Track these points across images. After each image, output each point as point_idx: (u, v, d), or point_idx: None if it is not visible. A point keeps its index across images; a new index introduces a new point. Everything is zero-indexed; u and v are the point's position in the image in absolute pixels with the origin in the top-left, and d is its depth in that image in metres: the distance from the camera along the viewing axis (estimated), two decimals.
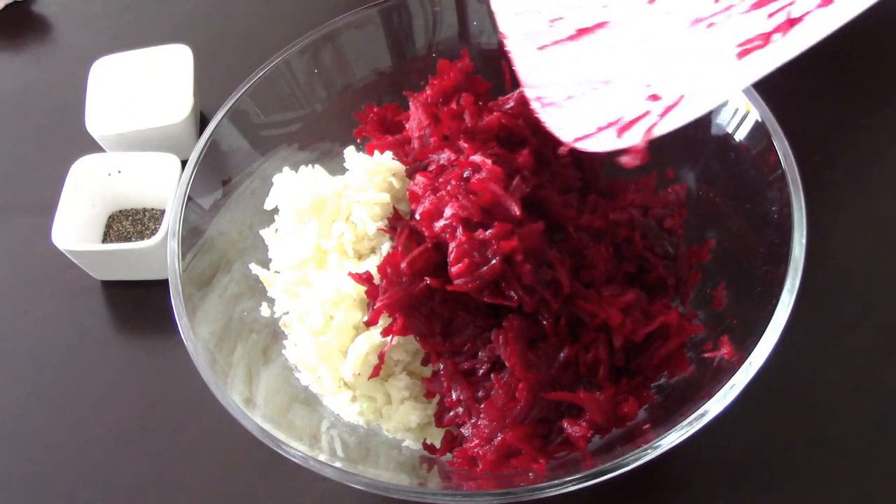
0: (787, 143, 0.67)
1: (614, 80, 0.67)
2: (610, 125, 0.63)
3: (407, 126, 0.78)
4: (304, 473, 0.62)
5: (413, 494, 0.60)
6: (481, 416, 0.65)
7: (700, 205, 0.77)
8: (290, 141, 0.85)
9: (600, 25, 0.71)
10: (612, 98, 0.66)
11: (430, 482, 0.68)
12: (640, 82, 0.65)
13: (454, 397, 0.66)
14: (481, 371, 0.66)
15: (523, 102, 0.72)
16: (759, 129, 0.70)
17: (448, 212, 0.65)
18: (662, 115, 0.60)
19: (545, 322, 0.65)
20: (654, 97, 0.62)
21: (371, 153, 0.76)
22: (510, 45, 0.73)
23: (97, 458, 0.82)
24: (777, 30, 0.58)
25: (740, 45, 0.60)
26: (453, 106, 0.74)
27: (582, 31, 0.71)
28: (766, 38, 0.59)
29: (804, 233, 0.63)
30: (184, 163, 0.79)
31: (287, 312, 0.75)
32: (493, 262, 0.62)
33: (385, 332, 0.67)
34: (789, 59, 0.56)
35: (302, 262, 0.73)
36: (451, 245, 0.64)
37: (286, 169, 0.77)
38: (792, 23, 0.58)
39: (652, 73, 0.65)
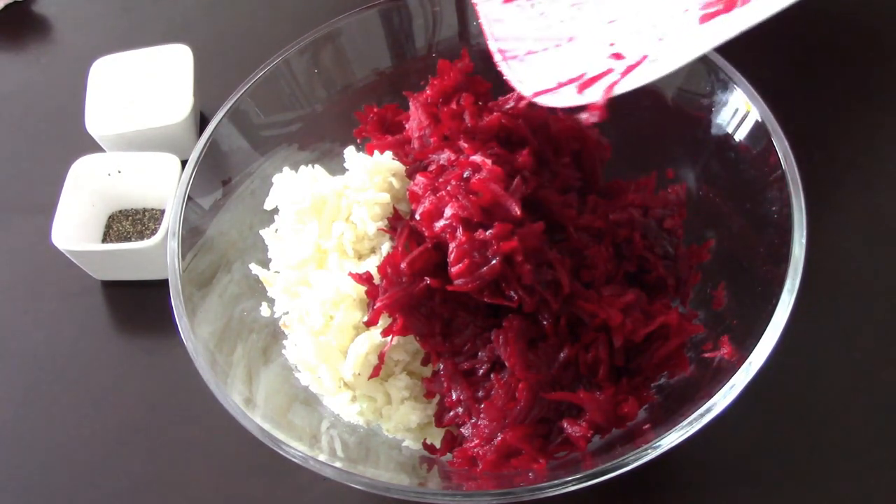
0: (787, 143, 0.67)
1: (579, 36, 0.67)
2: (571, 81, 0.64)
3: (407, 126, 0.78)
4: (304, 473, 0.62)
5: (413, 494, 0.60)
6: (481, 416, 0.65)
7: (700, 205, 0.77)
8: (290, 141, 0.85)
9: None
10: (575, 55, 0.66)
11: (430, 482, 0.68)
12: (605, 40, 0.65)
13: (454, 397, 0.67)
14: (481, 371, 0.66)
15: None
16: (759, 129, 0.70)
17: (448, 212, 0.65)
18: (624, 73, 0.61)
19: (545, 322, 0.65)
20: (618, 56, 0.63)
21: (371, 153, 0.76)
22: None
23: (97, 458, 0.82)
24: None
25: (703, 7, 0.61)
26: (453, 106, 0.74)
27: None
28: (730, 2, 0.59)
29: (804, 233, 0.63)
30: (184, 163, 0.79)
31: (287, 312, 0.75)
32: (493, 262, 0.62)
33: (385, 332, 0.67)
34: (752, 26, 0.56)
35: (302, 262, 0.73)
36: (452, 245, 0.64)
37: (286, 169, 0.77)
38: None
39: (617, 33, 0.66)
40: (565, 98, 0.63)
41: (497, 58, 0.69)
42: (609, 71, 0.62)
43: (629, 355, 0.67)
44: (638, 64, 0.61)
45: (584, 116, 0.62)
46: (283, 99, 0.85)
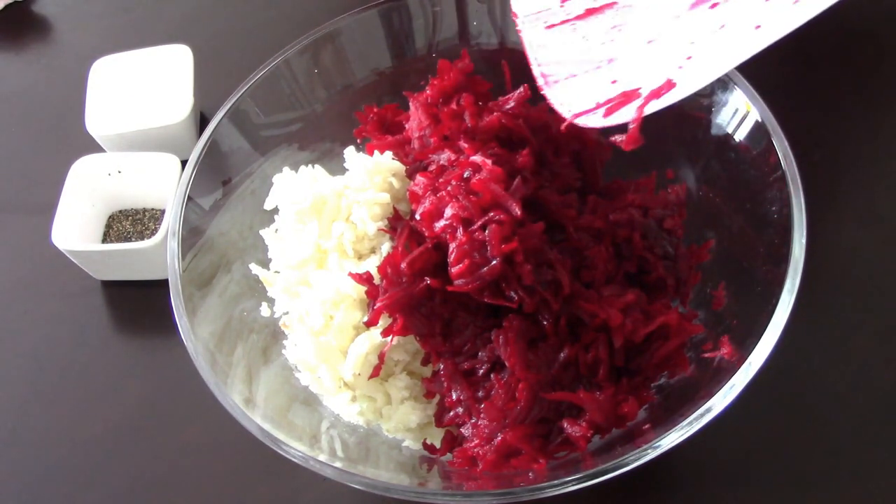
0: (787, 143, 0.67)
1: (618, 58, 0.68)
2: (608, 101, 0.65)
3: (407, 126, 0.78)
4: (304, 473, 0.62)
5: (413, 494, 0.60)
6: (481, 416, 0.65)
7: (700, 205, 0.77)
8: (290, 141, 0.85)
9: (609, 6, 0.72)
10: (613, 76, 0.67)
11: (430, 482, 0.68)
12: (641, 62, 0.66)
13: (454, 397, 0.66)
14: (481, 371, 0.66)
15: (523, 103, 0.73)
16: (759, 129, 0.70)
17: (448, 212, 0.65)
18: (656, 93, 0.63)
19: (545, 322, 0.65)
20: (650, 75, 0.64)
21: (371, 153, 0.76)
22: (520, 24, 0.75)
23: (97, 458, 0.82)
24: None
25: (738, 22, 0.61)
26: (453, 106, 0.74)
27: (591, 11, 0.73)
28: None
29: (804, 233, 0.63)
30: (184, 163, 0.79)
31: (287, 312, 0.75)
32: (494, 262, 0.62)
33: (385, 333, 0.67)
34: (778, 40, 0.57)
35: (302, 262, 0.73)
36: (452, 245, 0.64)
37: (286, 169, 0.77)
38: None
39: (650, 53, 0.66)
40: (601, 119, 0.65)
41: (540, 82, 0.71)
42: (639, 90, 0.64)
43: (629, 355, 0.67)
44: (668, 83, 0.63)
45: (618, 139, 0.64)
46: (283, 99, 0.85)
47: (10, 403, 0.87)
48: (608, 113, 0.65)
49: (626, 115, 0.64)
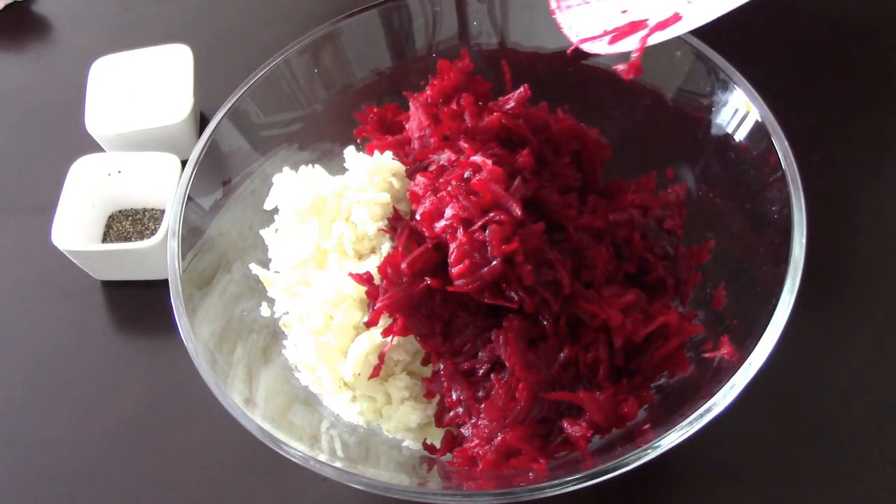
0: (787, 143, 0.67)
1: None
2: (615, 29, 0.67)
3: (407, 126, 0.78)
4: (304, 473, 0.62)
5: (413, 494, 0.60)
6: (481, 416, 0.65)
7: (700, 205, 0.77)
8: (290, 141, 0.85)
9: None
10: (623, 5, 0.69)
11: (430, 482, 0.68)
12: None
13: (454, 397, 0.67)
14: (481, 371, 0.66)
15: (523, 103, 0.73)
16: (759, 129, 0.70)
17: (449, 212, 0.65)
18: (661, 25, 0.64)
19: (545, 322, 0.65)
20: (659, 7, 0.66)
21: (371, 153, 0.76)
22: None
23: (97, 458, 0.82)
24: None
25: None
26: (453, 106, 0.75)
27: None
28: None
29: (804, 233, 0.63)
30: (184, 163, 0.79)
31: (287, 312, 0.75)
32: (494, 263, 0.62)
33: (385, 333, 0.67)
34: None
35: (302, 262, 0.73)
36: (452, 246, 0.64)
37: (286, 169, 0.77)
38: None
39: None
40: (602, 46, 0.67)
41: (553, 6, 0.73)
42: (645, 21, 0.65)
43: (629, 355, 0.67)
44: (675, 16, 0.64)
45: (619, 68, 0.65)
46: (283, 99, 0.85)
47: (10, 403, 0.87)
48: (613, 41, 0.66)
49: (630, 44, 0.65)
